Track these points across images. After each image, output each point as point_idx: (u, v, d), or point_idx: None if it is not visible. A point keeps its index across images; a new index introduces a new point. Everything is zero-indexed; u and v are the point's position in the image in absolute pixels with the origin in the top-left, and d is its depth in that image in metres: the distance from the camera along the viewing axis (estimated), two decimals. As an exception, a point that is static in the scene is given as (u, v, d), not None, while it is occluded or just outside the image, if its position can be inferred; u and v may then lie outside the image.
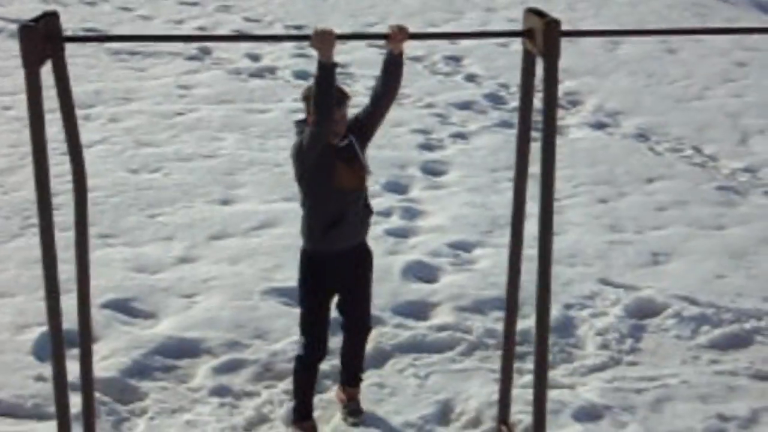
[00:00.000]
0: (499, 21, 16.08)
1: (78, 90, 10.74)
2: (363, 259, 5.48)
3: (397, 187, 9.23)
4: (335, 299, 5.54)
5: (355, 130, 5.19)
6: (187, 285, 7.18)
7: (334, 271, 5.35)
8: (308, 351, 5.44)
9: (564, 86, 12.32)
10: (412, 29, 4.84)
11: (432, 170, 9.81)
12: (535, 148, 4.44)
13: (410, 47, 13.66)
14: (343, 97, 5.06)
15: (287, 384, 5.97)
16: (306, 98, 5.06)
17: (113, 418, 5.59)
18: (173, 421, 5.63)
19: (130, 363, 6.12)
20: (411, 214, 8.66)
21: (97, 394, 5.35)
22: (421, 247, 7.96)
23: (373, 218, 5.50)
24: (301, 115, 5.25)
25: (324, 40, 4.60)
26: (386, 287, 7.15)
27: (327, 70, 4.72)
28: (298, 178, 5.21)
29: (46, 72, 4.16)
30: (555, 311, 6.71)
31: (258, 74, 12.68)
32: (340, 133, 5.10)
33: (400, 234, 8.19)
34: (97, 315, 6.41)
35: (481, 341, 6.57)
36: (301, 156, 5.09)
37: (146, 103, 11.33)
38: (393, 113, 11.90)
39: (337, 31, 4.68)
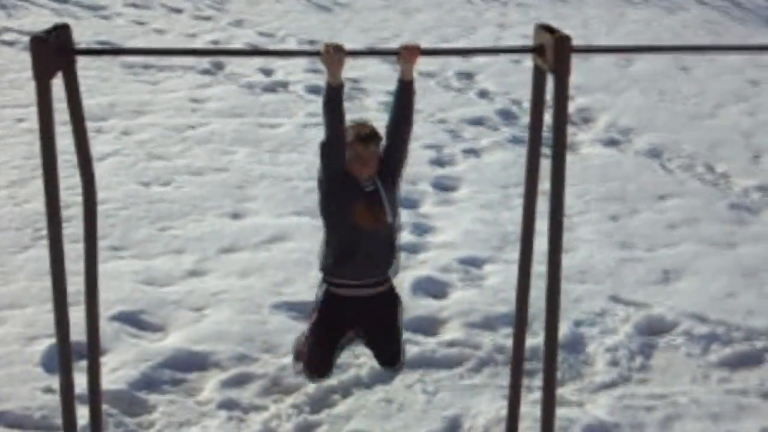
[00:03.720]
0: (511, 37, 16.12)
1: (91, 103, 10.83)
2: (386, 304, 5.44)
3: (407, 203, 9.22)
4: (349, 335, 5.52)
5: (383, 171, 5.13)
6: (197, 298, 7.18)
7: (351, 313, 5.36)
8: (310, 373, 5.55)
9: (576, 103, 12.33)
10: (425, 45, 4.85)
11: (443, 186, 9.80)
12: (546, 164, 4.43)
13: (423, 63, 13.66)
14: (373, 136, 5.07)
15: (295, 398, 5.97)
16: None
17: (121, 431, 5.58)
18: (181, 434, 5.63)
19: (138, 375, 6.12)
20: (421, 229, 8.66)
21: (104, 407, 5.35)
22: (431, 263, 7.95)
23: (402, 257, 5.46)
24: (314, 131, 5.29)
25: (334, 58, 4.59)
26: (396, 302, 7.14)
27: (334, 91, 4.73)
28: (320, 208, 5.20)
29: (59, 84, 4.18)
30: (564, 328, 6.69)
31: (270, 89, 12.70)
32: (370, 173, 5.08)
33: (411, 249, 8.18)
34: (106, 327, 6.42)
35: (490, 357, 6.55)
36: (319, 181, 5.13)
37: (159, 116, 11.35)
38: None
39: (349, 46, 4.69)
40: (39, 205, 8.24)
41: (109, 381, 5.84)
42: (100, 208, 4.91)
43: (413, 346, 6.62)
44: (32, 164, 9.38)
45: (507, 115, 12.25)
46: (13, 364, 6.16)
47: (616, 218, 9.20)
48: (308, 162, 9.98)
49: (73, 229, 6.46)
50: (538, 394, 5.73)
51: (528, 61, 4.80)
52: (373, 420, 5.78)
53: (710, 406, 6.09)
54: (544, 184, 4.50)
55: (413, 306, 7.17)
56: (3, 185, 9.12)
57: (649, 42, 15.97)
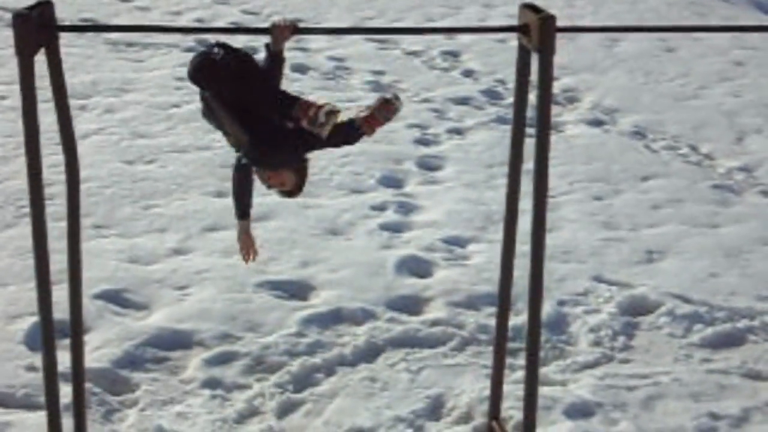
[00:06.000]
0: (497, 17, 16.06)
1: (74, 80, 10.77)
2: None
3: (392, 182, 9.22)
4: None
5: None
6: (180, 277, 7.17)
7: None
8: None
9: (561, 83, 12.32)
10: (410, 24, 4.80)
11: (427, 165, 9.80)
12: (531, 144, 4.43)
13: (408, 42, 13.52)
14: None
15: (279, 377, 5.97)
16: None
17: (104, 409, 5.58)
18: (164, 412, 5.63)
19: (121, 354, 6.12)
20: (406, 208, 8.65)
21: (88, 385, 5.34)
22: (415, 242, 7.95)
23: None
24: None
25: (280, 34, 4.41)
26: (380, 281, 7.15)
27: (274, 57, 4.44)
28: None
29: (42, 62, 4.15)
30: (548, 307, 6.71)
31: (255, 67, 12.63)
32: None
33: (395, 228, 8.18)
34: (90, 305, 6.40)
35: (473, 337, 6.56)
36: None
37: (142, 94, 11.30)
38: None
39: (335, 26, 4.64)
40: (22, 183, 8.17)
41: (92, 359, 5.83)
42: (84, 187, 4.89)
43: (397, 325, 6.64)
44: (15, 142, 9.32)
45: (492, 95, 12.23)
46: (-5, 342, 6.16)
47: (600, 198, 9.21)
48: (293, 141, 9.94)
49: (56, 207, 6.43)
50: (521, 374, 5.75)
51: (513, 41, 4.78)
52: (357, 399, 5.80)
53: (692, 385, 6.12)
54: (529, 164, 4.50)
55: (397, 285, 7.18)
56: (-14, 163, 9.08)
57: (634, 22, 15.95)
